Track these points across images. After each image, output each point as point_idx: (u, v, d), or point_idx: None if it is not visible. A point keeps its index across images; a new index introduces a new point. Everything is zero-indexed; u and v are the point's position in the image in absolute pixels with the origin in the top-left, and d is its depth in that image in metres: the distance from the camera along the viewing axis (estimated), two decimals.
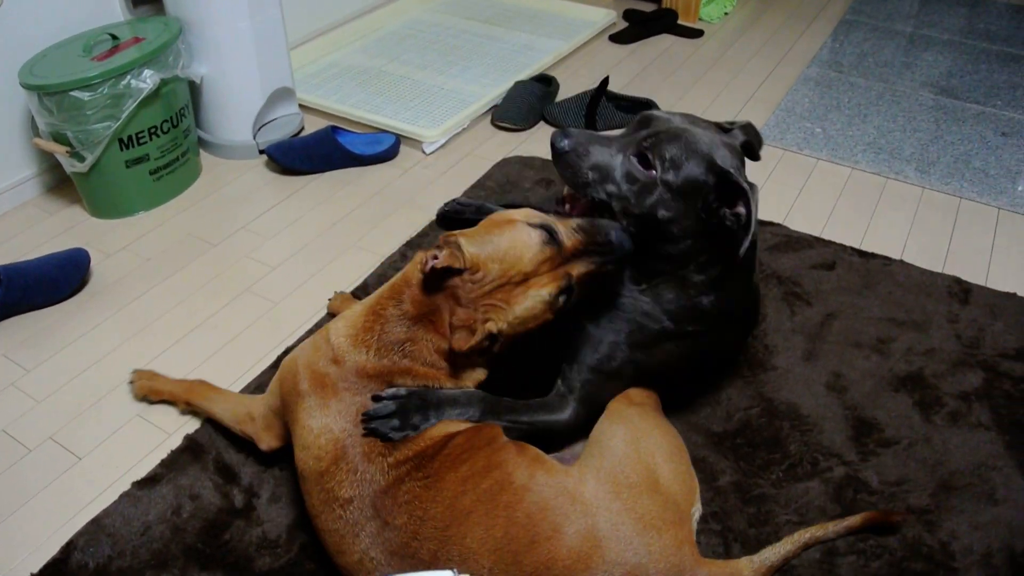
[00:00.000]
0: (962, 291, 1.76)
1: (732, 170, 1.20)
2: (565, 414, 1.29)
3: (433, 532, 1.07)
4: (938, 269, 1.85)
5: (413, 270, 1.17)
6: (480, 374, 1.23)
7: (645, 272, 1.29)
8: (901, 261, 1.85)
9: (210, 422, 1.44)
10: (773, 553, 1.20)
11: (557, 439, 1.30)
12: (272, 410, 1.27)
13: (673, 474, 1.19)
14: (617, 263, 1.21)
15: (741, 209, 1.20)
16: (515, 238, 1.14)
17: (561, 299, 1.16)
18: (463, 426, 1.17)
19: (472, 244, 1.14)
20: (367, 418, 1.12)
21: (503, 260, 1.13)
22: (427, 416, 1.15)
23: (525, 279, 1.14)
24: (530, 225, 1.15)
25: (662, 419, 1.32)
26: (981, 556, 1.25)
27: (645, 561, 1.06)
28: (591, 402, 1.30)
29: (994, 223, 2.01)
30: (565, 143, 1.25)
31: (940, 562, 1.24)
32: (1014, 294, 1.76)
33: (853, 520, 1.26)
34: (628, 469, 1.15)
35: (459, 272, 1.13)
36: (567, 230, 1.17)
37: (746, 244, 1.19)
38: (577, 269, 1.16)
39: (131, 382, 1.53)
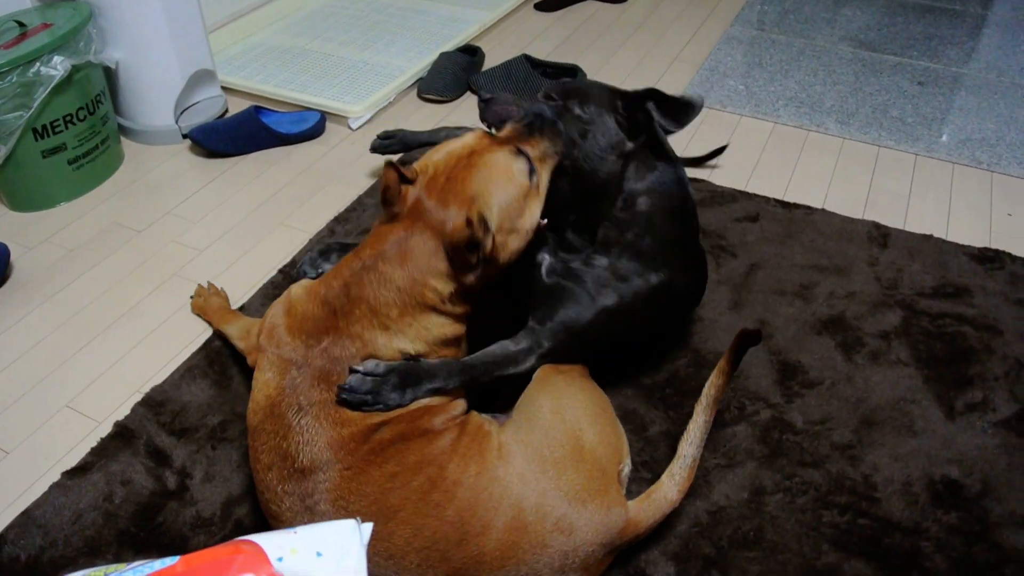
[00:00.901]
0: (881, 235, 1.81)
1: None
2: (526, 366, 1.29)
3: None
4: (858, 216, 1.89)
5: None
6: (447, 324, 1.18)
7: (597, 238, 1.34)
8: (823, 210, 1.90)
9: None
10: (685, 447, 1.22)
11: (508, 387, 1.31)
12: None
13: (598, 437, 1.19)
14: (556, 137, 1.25)
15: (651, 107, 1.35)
16: (452, 140, 1.19)
17: (533, 178, 1.18)
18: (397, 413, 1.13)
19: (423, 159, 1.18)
20: (340, 390, 1.09)
21: (442, 151, 1.17)
22: (403, 393, 1.12)
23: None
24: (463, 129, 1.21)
25: (588, 381, 1.32)
26: (901, 485, 1.30)
27: (574, 537, 1.07)
28: (555, 360, 1.31)
29: (911, 169, 2.07)
30: (490, 95, 1.37)
31: (863, 494, 1.29)
32: (931, 236, 1.81)
33: (727, 353, 1.28)
34: (554, 442, 1.14)
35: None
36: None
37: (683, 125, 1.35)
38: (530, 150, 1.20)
39: (191, 296, 1.67)
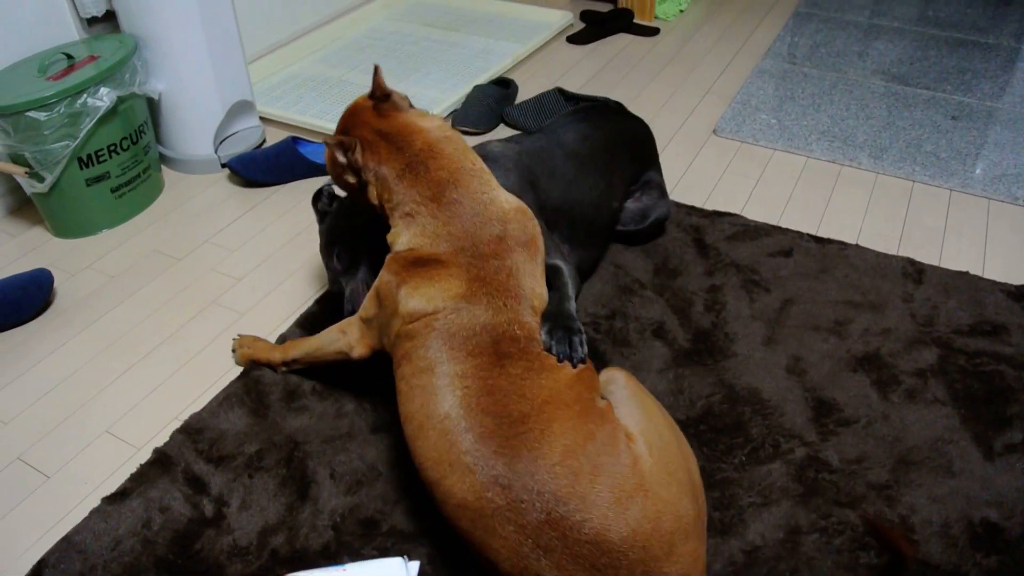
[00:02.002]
0: (916, 271, 1.80)
1: None
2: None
3: (531, 402, 1.10)
4: (893, 251, 1.89)
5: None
6: None
7: None
8: (857, 245, 1.89)
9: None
10: None
11: None
12: (366, 320, 1.35)
13: (700, 486, 1.16)
14: None
15: None
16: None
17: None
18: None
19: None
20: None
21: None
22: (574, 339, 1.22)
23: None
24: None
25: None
26: (940, 527, 1.29)
27: (670, 560, 1.04)
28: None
29: (946, 204, 2.06)
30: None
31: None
32: (966, 272, 1.80)
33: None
34: (674, 462, 1.12)
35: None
36: None
37: None
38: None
39: (233, 350, 1.63)
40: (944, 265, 1.84)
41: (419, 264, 1.23)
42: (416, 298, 1.20)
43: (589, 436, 1.08)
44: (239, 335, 1.64)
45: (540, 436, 1.07)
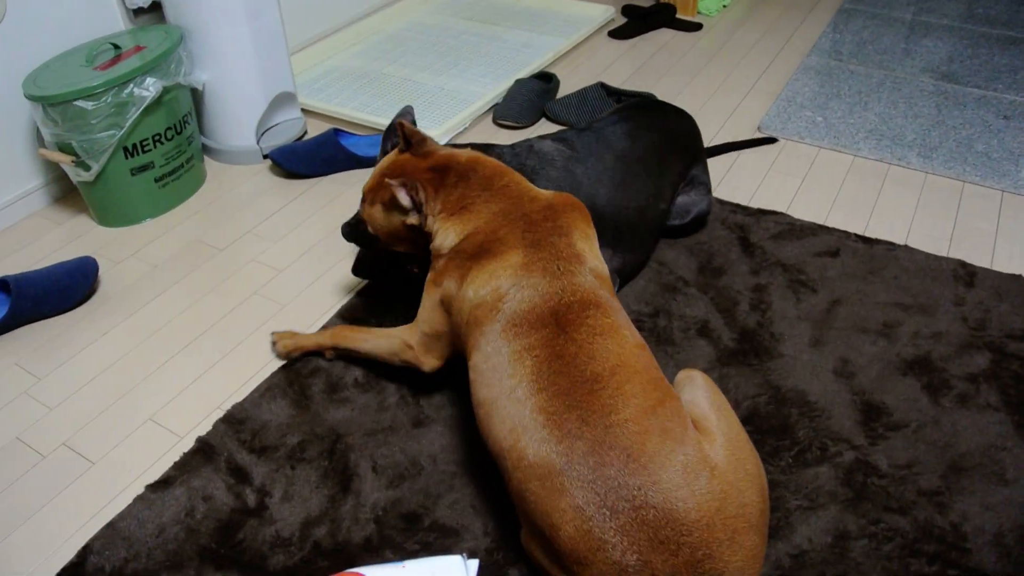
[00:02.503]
0: (967, 274, 1.76)
1: None
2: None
3: (602, 364, 1.11)
4: (943, 253, 1.85)
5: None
6: None
7: None
8: (906, 246, 1.85)
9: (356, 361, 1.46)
10: None
11: None
12: (430, 334, 1.38)
13: (766, 488, 1.13)
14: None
15: None
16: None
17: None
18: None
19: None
20: None
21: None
22: None
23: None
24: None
25: None
26: (993, 536, 1.25)
27: (731, 548, 1.02)
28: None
29: (998, 206, 2.01)
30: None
31: (952, 543, 1.24)
32: (1019, 276, 1.76)
33: None
34: (743, 451, 1.11)
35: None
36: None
37: None
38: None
39: (273, 343, 1.62)
40: (996, 268, 1.80)
41: (475, 248, 1.27)
42: (480, 280, 1.24)
43: (659, 402, 1.09)
44: (274, 332, 1.64)
45: (614, 394, 1.08)
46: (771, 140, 2.27)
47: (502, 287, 1.21)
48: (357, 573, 0.68)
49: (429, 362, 1.41)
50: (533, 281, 1.20)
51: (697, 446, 1.06)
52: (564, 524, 1.03)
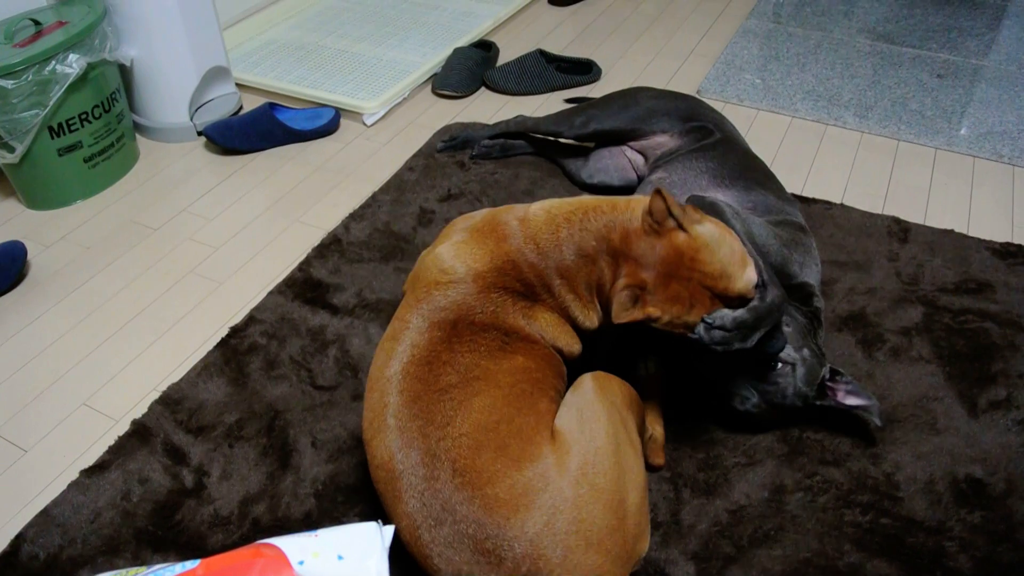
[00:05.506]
0: (901, 230, 1.79)
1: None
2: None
3: (459, 376, 1.10)
4: (878, 211, 1.87)
5: (633, 209, 1.18)
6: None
7: None
8: (842, 205, 1.88)
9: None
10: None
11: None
12: None
13: (637, 507, 1.08)
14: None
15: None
16: (741, 258, 1.17)
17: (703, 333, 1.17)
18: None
19: (706, 231, 1.15)
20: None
21: (723, 265, 1.14)
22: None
23: (713, 294, 1.15)
24: (751, 259, 1.21)
25: (637, 437, 1.20)
26: (924, 484, 1.28)
27: (563, 566, 0.99)
28: None
29: (931, 163, 2.04)
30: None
31: (885, 492, 1.27)
32: (951, 230, 1.79)
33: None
34: (597, 468, 1.06)
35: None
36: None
37: None
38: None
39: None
40: (929, 224, 1.83)
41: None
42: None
43: (507, 420, 1.07)
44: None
45: (457, 406, 1.07)
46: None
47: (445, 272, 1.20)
48: (269, 544, 0.68)
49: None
50: (467, 288, 1.17)
51: (537, 462, 1.04)
52: (401, 528, 1.04)
